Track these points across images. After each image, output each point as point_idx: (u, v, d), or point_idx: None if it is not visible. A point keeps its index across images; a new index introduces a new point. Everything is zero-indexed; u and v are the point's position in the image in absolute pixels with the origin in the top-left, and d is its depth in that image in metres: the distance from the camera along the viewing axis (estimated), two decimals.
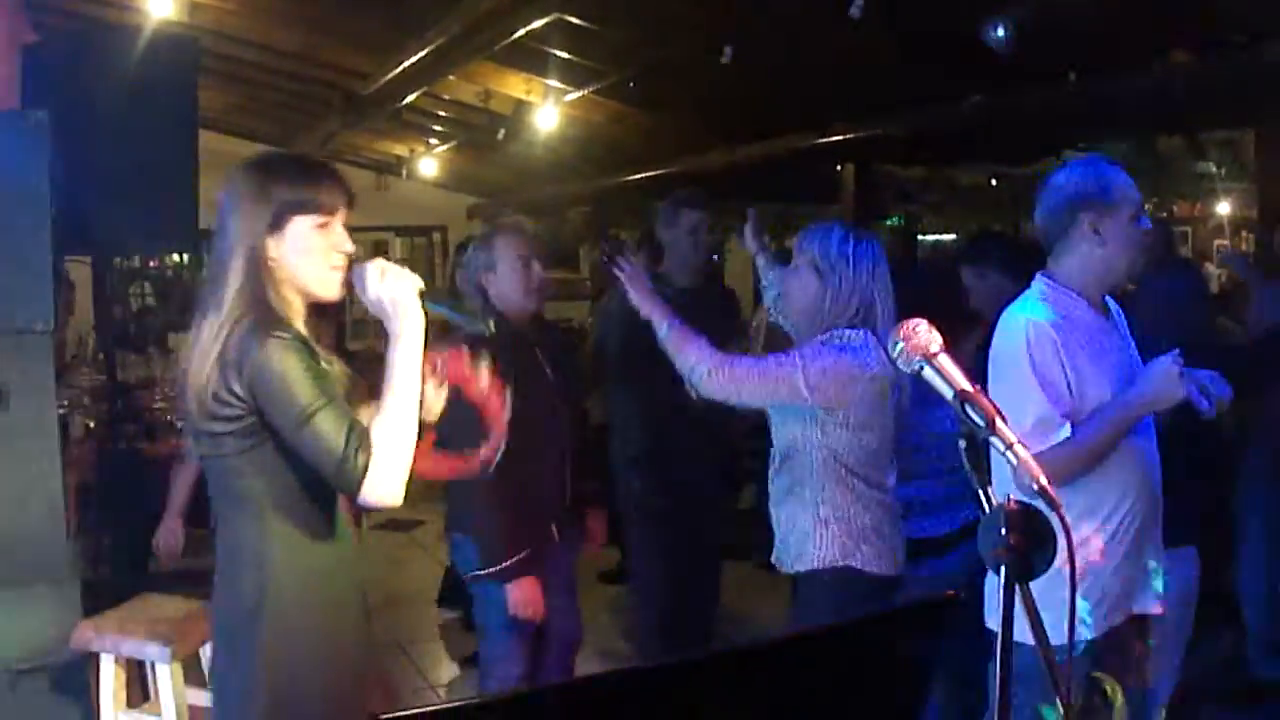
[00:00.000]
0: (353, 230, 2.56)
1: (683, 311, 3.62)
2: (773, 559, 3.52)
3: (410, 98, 8.49)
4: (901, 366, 1.79)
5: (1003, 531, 1.53)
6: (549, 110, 8.17)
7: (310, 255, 2.48)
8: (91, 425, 6.81)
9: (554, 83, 7.94)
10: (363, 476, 2.34)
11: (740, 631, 5.84)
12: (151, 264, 13.81)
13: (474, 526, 3.87)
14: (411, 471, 2.45)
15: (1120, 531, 2.94)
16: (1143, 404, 2.85)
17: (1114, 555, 2.94)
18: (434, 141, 11.66)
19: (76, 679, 4.17)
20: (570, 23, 6.38)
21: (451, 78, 8.11)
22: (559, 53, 7.25)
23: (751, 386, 3.35)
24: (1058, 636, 1.66)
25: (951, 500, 3.94)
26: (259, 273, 2.45)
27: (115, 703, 3.93)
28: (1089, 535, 2.90)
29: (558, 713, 1.13)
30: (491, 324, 2.51)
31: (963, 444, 1.65)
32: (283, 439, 2.39)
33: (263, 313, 2.41)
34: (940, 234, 13.93)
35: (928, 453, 3.86)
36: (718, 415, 4.02)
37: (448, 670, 5.97)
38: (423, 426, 2.51)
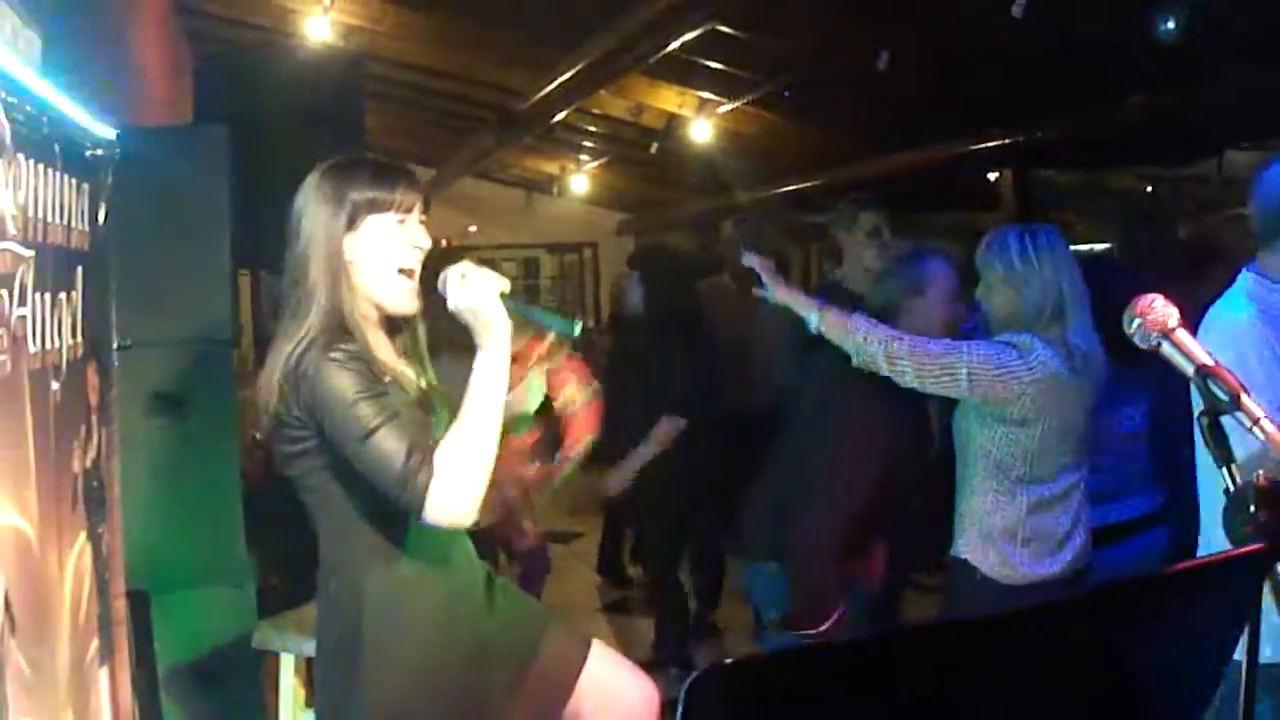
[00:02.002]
0: (503, 248, 2.63)
1: None
2: None
3: (563, 114, 8.56)
4: (1139, 342, 1.77)
5: (1251, 509, 1.48)
6: (702, 123, 8.17)
7: (384, 253, 2.44)
8: (258, 436, 7.00)
9: (707, 95, 7.94)
10: (424, 495, 2.28)
11: None
12: None
13: (800, 568, 3.71)
14: (566, 483, 2.47)
15: None
16: None
17: None
18: (584, 158, 11.75)
19: (252, 680, 4.27)
20: (724, 33, 6.37)
21: (603, 93, 8.16)
22: (712, 64, 7.25)
23: (918, 366, 3.32)
24: None
25: (1125, 491, 3.94)
26: (336, 278, 2.43)
27: (295, 701, 4.01)
28: None
29: (894, 660, 1.11)
30: (579, 326, 2.44)
31: (1204, 421, 1.61)
32: (345, 459, 2.35)
33: (330, 328, 2.38)
34: (1094, 243, 13.56)
35: (1107, 449, 3.82)
36: None
37: None
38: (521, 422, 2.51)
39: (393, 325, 2.56)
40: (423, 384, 2.57)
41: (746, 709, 1.03)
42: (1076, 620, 1.22)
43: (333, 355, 2.33)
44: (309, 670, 4.16)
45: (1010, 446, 3.30)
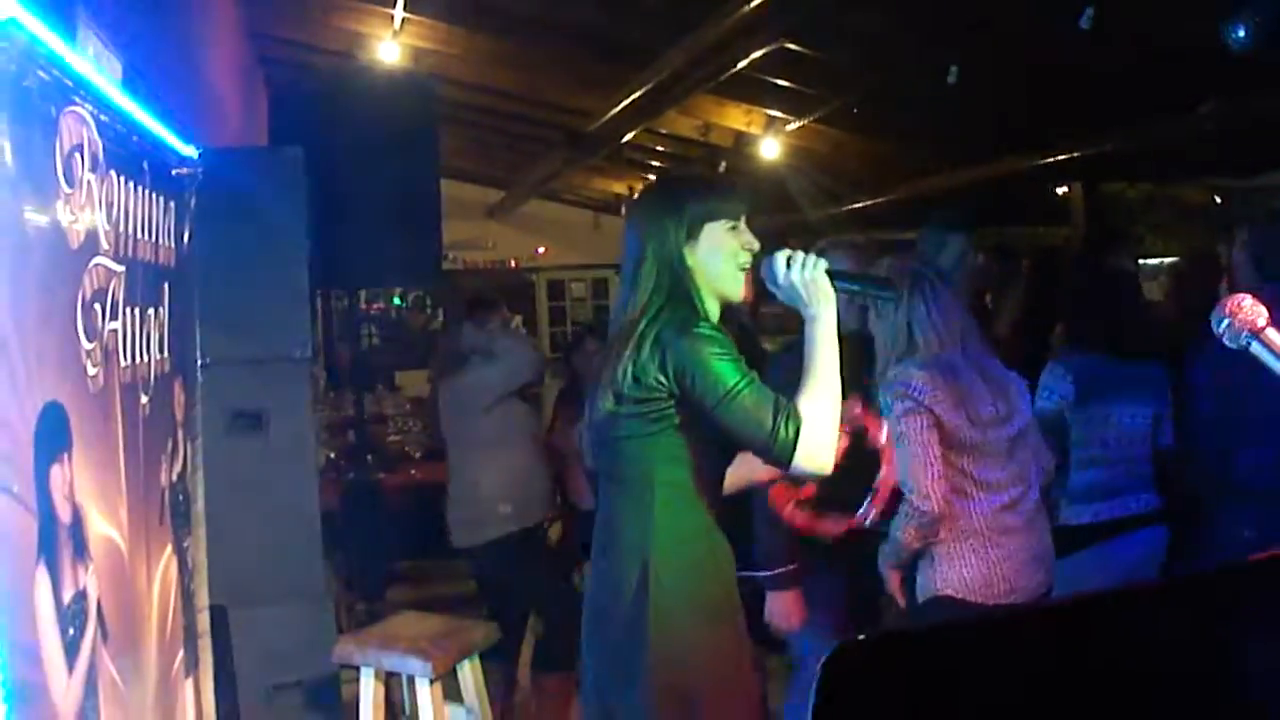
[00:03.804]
0: (571, 268, 2.68)
1: None
2: None
3: (631, 134, 8.59)
4: (1228, 342, 1.75)
5: None
6: (770, 141, 8.17)
7: (723, 255, 2.67)
8: (332, 456, 7.09)
9: (775, 112, 7.95)
10: (794, 445, 2.50)
11: None
12: (375, 306, 14.32)
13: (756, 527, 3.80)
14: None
15: None
16: None
17: None
18: (652, 177, 11.78)
19: (329, 695, 4.31)
20: (791, 51, 6.38)
21: (671, 112, 8.19)
22: (780, 81, 7.25)
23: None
24: None
25: (1130, 488, 4.19)
26: (680, 279, 2.66)
27: (375, 715, 4.05)
28: None
29: (1026, 635, 1.11)
30: (893, 296, 2.88)
31: None
32: (705, 420, 2.56)
33: (685, 310, 2.62)
34: (1161, 256, 13.36)
35: (1110, 445, 4.15)
36: None
37: None
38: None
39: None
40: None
41: (881, 683, 1.03)
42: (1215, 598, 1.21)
43: (700, 326, 2.58)
44: (389, 685, 4.21)
45: None
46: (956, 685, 1.06)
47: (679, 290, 2.65)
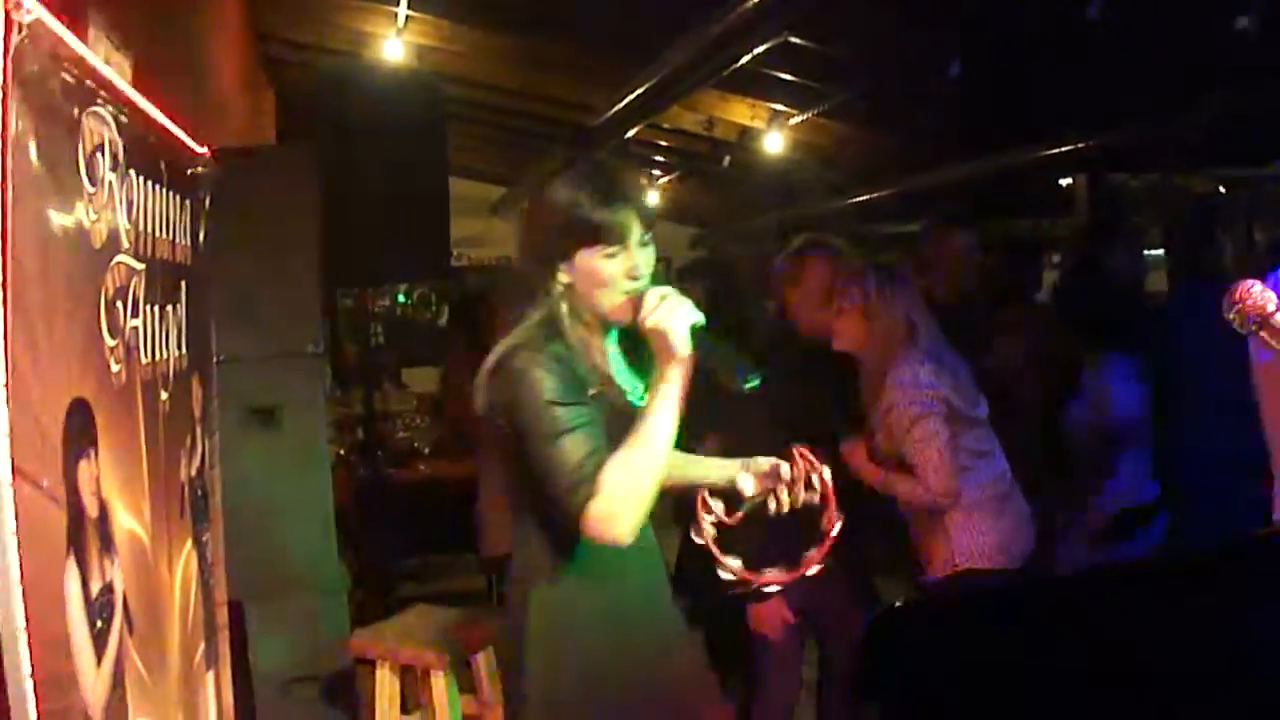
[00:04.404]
0: None
1: (945, 330, 3.82)
2: None
3: (635, 130, 8.61)
4: (1236, 328, 1.78)
5: None
6: (774, 135, 8.19)
7: (598, 284, 2.42)
8: (341, 452, 7.12)
9: (779, 106, 7.97)
10: (580, 511, 2.29)
11: None
12: (379, 304, 14.35)
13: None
14: None
15: None
16: None
17: None
18: (656, 173, 11.81)
19: (344, 688, 4.35)
20: (795, 45, 6.40)
21: (675, 107, 8.21)
22: (784, 76, 7.27)
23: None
24: None
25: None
26: (551, 296, 2.44)
27: (390, 708, 4.08)
28: None
29: (1065, 599, 1.14)
30: (757, 381, 2.29)
31: None
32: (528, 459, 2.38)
33: (537, 335, 2.42)
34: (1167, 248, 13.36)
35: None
36: None
37: None
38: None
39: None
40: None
41: (926, 646, 1.06)
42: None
43: (540, 356, 2.38)
44: (403, 677, 4.24)
45: None
46: (992, 647, 1.09)
47: (554, 309, 2.43)
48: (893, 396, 3.66)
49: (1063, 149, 7.35)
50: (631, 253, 2.41)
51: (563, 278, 2.44)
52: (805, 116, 8.01)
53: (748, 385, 2.27)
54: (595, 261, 2.39)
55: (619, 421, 2.40)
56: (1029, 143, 7.59)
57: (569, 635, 2.49)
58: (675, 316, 2.30)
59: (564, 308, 2.45)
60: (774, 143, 8.29)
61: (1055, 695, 1.10)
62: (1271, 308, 1.76)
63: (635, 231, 2.41)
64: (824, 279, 4.00)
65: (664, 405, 2.33)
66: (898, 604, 1.05)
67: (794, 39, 6.25)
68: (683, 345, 2.29)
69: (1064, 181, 9.11)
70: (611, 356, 2.54)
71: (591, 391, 2.42)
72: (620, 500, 2.30)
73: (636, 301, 2.37)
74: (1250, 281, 1.80)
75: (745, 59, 6.36)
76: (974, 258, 4.81)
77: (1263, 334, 1.75)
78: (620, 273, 2.40)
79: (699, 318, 2.32)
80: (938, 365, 3.68)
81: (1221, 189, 10.79)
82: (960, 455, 3.66)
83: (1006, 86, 6.71)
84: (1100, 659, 1.11)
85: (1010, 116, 7.32)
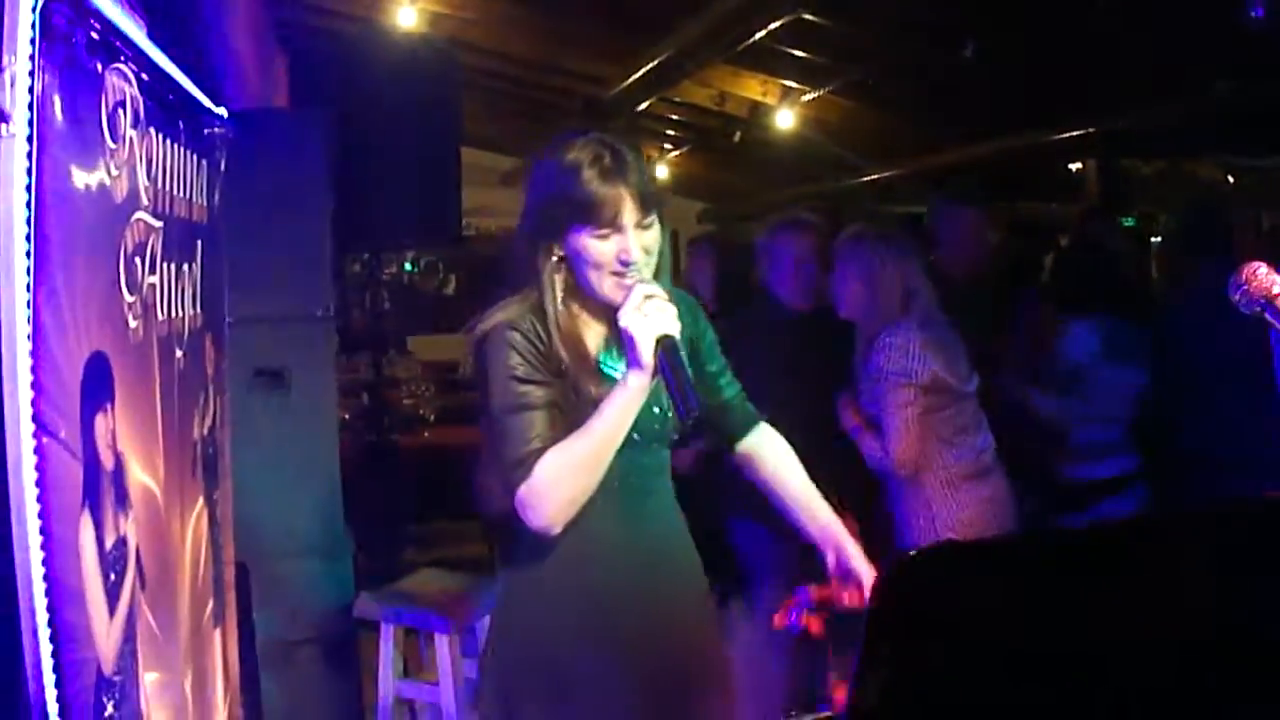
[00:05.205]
0: None
1: (952, 309, 3.90)
2: None
3: (647, 103, 8.59)
4: (1242, 309, 1.80)
5: None
6: (785, 112, 8.18)
7: (588, 265, 2.33)
8: (346, 417, 7.14)
9: (791, 83, 7.95)
10: (513, 490, 2.27)
11: None
12: (386, 271, 14.34)
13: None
14: None
15: None
16: None
17: None
18: (667, 146, 11.78)
19: (348, 651, 4.38)
20: (808, 21, 6.38)
21: (687, 81, 8.19)
22: (796, 52, 7.25)
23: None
24: None
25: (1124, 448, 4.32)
26: (543, 271, 2.38)
27: (394, 670, 4.12)
28: None
29: (1083, 554, 1.16)
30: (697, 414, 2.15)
31: None
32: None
33: (521, 308, 2.37)
34: None
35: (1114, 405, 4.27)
36: None
37: None
38: None
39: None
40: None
41: (938, 597, 1.08)
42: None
43: (517, 326, 2.34)
44: (407, 640, 4.28)
45: None
46: (1001, 600, 1.11)
47: (539, 282, 2.37)
48: (880, 360, 3.75)
49: (1073, 133, 7.34)
50: (625, 235, 2.30)
51: (557, 251, 2.37)
52: (817, 94, 7.98)
53: (688, 417, 2.14)
54: (585, 240, 2.31)
55: (587, 407, 2.32)
56: (1040, 126, 7.57)
57: (523, 605, 2.49)
58: (644, 322, 2.18)
59: (555, 282, 2.38)
60: (785, 119, 8.26)
61: (1073, 645, 1.12)
62: (1277, 289, 1.77)
63: (630, 213, 2.30)
64: (801, 253, 4.27)
65: (614, 406, 2.25)
66: (908, 554, 1.06)
67: (807, 15, 6.23)
68: (645, 354, 2.18)
69: (1074, 166, 9.10)
70: (605, 339, 2.46)
71: (563, 366, 2.35)
72: (546, 488, 2.26)
73: (628, 289, 2.26)
74: (1257, 263, 1.82)
75: (759, 35, 6.35)
76: (984, 236, 4.81)
77: (1268, 315, 1.77)
78: (610, 255, 2.31)
79: (670, 329, 2.20)
80: (930, 337, 3.75)
81: (1229, 178, 10.79)
82: (944, 428, 3.77)
83: (1019, 68, 6.70)
84: (1129, 611, 1.13)
85: (1023, 98, 7.30)
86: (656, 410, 2.43)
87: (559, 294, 2.39)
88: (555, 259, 2.38)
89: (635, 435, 2.34)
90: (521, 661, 2.47)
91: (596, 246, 2.30)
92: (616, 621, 2.44)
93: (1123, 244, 5.13)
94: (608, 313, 2.37)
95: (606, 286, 2.33)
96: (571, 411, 2.33)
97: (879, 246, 3.87)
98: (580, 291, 2.40)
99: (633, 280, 2.27)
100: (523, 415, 2.30)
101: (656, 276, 2.36)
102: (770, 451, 2.68)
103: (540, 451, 2.26)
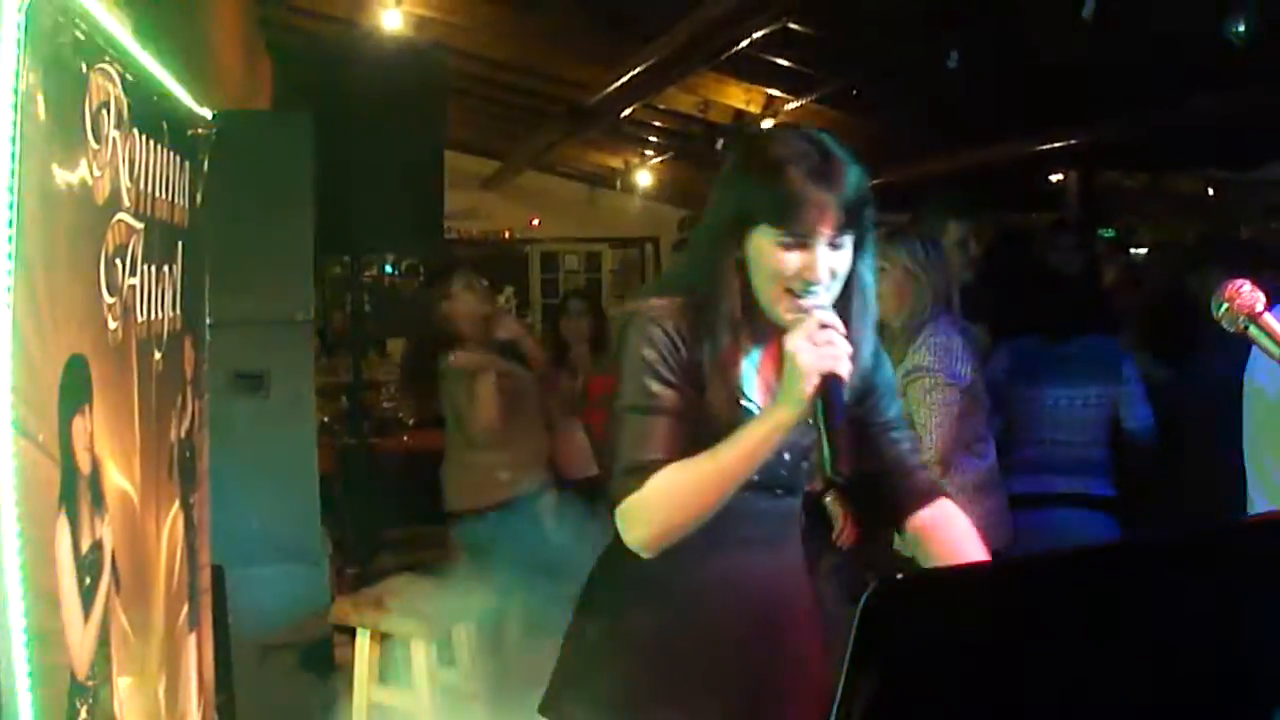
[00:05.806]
0: (565, 240, 2.42)
1: None
2: None
3: (630, 109, 8.60)
4: (1226, 325, 1.80)
5: None
6: (769, 120, 8.20)
7: (762, 270, 2.10)
8: (325, 420, 7.12)
9: (774, 91, 7.97)
10: (618, 499, 2.08)
11: None
12: (366, 274, 14.31)
13: None
14: None
15: None
16: None
17: None
18: (649, 153, 11.80)
19: (323, 656, 4.36)
20: (792, 30, 6.40)
21: (671, 88, 8.20)
22: (780, 61, 7.27)
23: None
24: None
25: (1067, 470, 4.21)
26: (718, 271, 2.14)
27: (369, 675, 4.10)
28: None
29: (1066, 579, 1.16)
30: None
31: None
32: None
33: (680, 302, 2.17)
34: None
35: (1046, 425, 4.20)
36: None
37: None
38: None
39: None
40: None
41: (919, 623, 1.07)
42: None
43: (662, 320, 2.14)
44: (383, 646, 4.26)
45: None
46: (987, 626, 1.11)
47: (699, 279, 2.16)
48: (920, 358, 3.64)
49: (1056, 144, 7.38)
50: (814, 251, 2.05)
51: (738, 252, 2.12)
52: (800, 103, 8.01)
53: (837, 475, 1.92)
54: (769, 245, 2.06)
55: (711, 424, 2.10)
56: (1023, 137, 7.60)
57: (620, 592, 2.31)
58: (813, 354, 1.96)
59: (734, 285, 2.13)
60: (769, 127, 8.29)
61: (1056, 670, 1.12)
62: (1260, 306, 1.78)
63: (827, 227, 2.05)
64: None
65: (751, 436, 2.04)
66: (890, 580, 1.05)
67: (792, 25, 6.25)
68: (804, 389, 1.95)
69: (1055, 177, 9.15)
70: (751, 359, 2.23)
71: (702, 380, 2.13)
72: (657, 506, 2.06)
73: (803, 312, 2.04)
74: (1240, 280, 1.82)
75: (744, 43, 6.37)
76: (967, 248, 4.82)
77: (1251, 331, 1.77)
78: (793, 268, 2.06)
79: (840, 369, 1.97)
80: (967, 341, 3.73)
81: (1210, 191, 10.87)
82: (968, 434, 3.71)
83: (1002, 80, 6.73)
84: (1110, 635, 1.13)
85: (1005, 110, 7.33)
86: (787, 457, 2.22)
87: (739, 299, 2.14)
88: (736, 261, 2.13)
89: (754, 476, 2.10)
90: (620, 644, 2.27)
91: (780, 255, 2.06)
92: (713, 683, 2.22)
93: (1078, 259, 5.05)
94: (767, 333, 2.19)
95: (773, 300, 2.10)
96: (694, 430, 2.11)
97: (921, 247, 3.79)
98: (739, 296, 2.15)
99: (810, 304, 2.05)
100: (649, 418, 2.09)
101: (847, 313, 2.13)
102: (949, 533, 2.26)
103: (661, 463, 2.05)
